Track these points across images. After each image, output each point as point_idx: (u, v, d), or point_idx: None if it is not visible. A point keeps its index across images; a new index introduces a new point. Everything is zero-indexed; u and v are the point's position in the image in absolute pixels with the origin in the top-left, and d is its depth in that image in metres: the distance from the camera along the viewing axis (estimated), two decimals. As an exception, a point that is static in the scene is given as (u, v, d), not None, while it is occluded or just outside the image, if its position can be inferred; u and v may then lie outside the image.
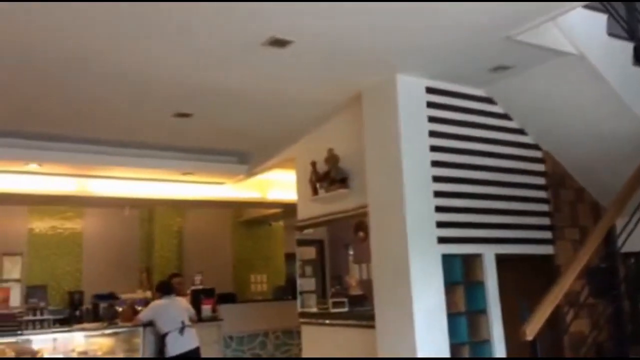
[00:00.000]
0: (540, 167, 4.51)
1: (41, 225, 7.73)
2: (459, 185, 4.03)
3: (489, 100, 4.31)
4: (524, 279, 4.16)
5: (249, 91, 4.23)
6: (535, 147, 4.50)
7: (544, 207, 4.47)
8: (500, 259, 4.12)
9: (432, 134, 3.99)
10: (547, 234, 4.43)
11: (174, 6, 2.88)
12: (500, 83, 4.15)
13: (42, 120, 4.79)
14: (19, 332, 5.49)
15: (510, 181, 4.29)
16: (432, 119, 4.01)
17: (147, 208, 8.19)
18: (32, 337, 5.56)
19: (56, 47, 3.37)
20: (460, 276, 4.01)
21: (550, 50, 3.62)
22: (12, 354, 5.37)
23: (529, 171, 4.43)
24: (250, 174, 6.39)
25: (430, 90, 4.03)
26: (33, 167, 5.70)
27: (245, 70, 3.85)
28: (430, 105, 4.02)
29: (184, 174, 6.39)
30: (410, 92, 3.97)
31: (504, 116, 4.38)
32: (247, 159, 6.30)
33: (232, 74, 3.91)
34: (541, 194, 4.47)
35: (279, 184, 7.21)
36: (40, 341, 5.61)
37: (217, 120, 4.96)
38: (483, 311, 4.02)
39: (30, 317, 5.62)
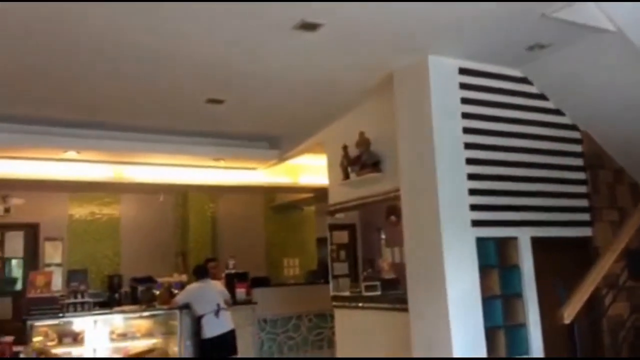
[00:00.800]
0: (577, 148, 4.40)
1: (80, 211, 7.96)
2: (493, 168, 3.96)
3: (524, 81, 4.21)
4: (561, 261, 4.08)
5: (279, 76, 4.24)
6: (572, 127, 4.39)
7: (582, 189, 4.37)
8: (537, 242, 4.05)
9: (466, 115, 3.92)
10: (585, 216, 4.33)
11: (207, -8, 2.91)
12: (536, 62, 4.03)
13: (80, 108, 4.90)
14: (61, 314, 5.68)
15: (547, 162, 4.20)
16: (465, 101, 3.94)
17: (181, 194, 8.33)
18: (73, 320, 5.75)
19: (94, 36, 3.43)
20: (494, 259, 3.95)
21: (588, 27, 3.49)
22: (54, 335, 5.57)
23: (566, 152, 4.33)
24: (281, 159, 6.43)
25: (463, 71, 3.96)
26: (71, 154, 5.85)
27: (276, 56, 3.84)
28: (464, 86, 3.96)
29: (216, 159, 6.47)
30: (443, 73, 3.91)
31: (540, 96, 4.28)
32: (278, 144, 6.34)
33: (263, 60, 3.91)
34: (579, 175, 4.37)
35: (310, 169, 7.23)
36: (81, 323, 5.80)
37: (248, 106, 4.98)
38: (519, 295, 3.96)
39: (72, 300, 5.80)
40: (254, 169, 7.05)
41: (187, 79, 4.25)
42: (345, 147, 4.82)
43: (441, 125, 3.83)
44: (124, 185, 7.07)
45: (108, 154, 6.06)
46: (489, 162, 3.95)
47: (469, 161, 3.88)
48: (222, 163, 6.64)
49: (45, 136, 5.32)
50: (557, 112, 4.34)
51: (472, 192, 3.85)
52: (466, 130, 3.91)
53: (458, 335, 3.63)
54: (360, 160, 4.66)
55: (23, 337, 5.29)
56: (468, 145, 3.89)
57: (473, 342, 3.68)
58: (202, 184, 7.26)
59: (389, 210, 4.54)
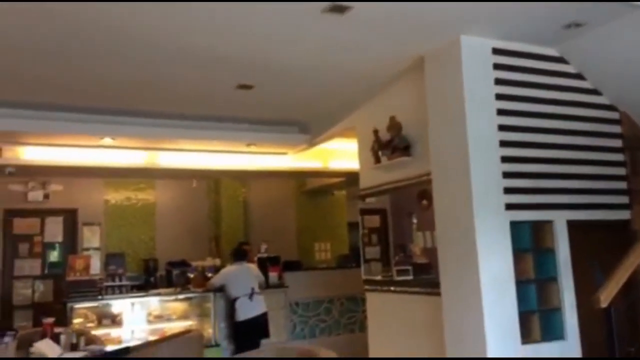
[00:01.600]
0: (616, 129, 4.27)
1: (116, 196, 8.13)
2: (528, 150, 3.88)
3: (560, 60, 4.10)
4: (598, 245, 4.00)
5: (309, 61, 4.23)
6: (611, 107, 4.26)
7: (621, 171, 4.25)
8: (573, 225, 3.96)
9: (500, 97, 3.84)
10: (624, 199, 4.22)
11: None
12: (573, 41, 3.91)
13: (115, 97, 5.00)
14: (100, 297, 5.86)
15: (584, 144, 4.09)
16: (499, 82, 3.86)
17: (213, 180, 8.43)
18: (111, 302, 5.93)
19: (127, 26, 3.48)
20: (529, 243, 3.90)
21: (627, 3, 3.38)
22: (93, 317, 5.75)
23: (604, 133, 4.20)
24: (311, 143, 6.44)
25: (497, 52, 3.87)
26: (107, 141, 5.98)
27: (305, 40, 3.83)
28: (498, 67, 3.87)
29: (247, 145, 6.51)
30: (476, 54, 3.83)
31: (577, 76, 4.16)
32: (308, 128, 6.34)
33: (292, 45, 3.90)
34: (617, 156, 4.25)
35: (340, 154, 7.22)
36: (119, 305, 5.97)
37: (278, 91, 4.99)
38: (554, 279, 3.89)
39: (110, 283, 5.98)
40: (284, 153, 7.07)
41: (218, 66, 4.28)
42: (376, 131, 4.79)
43: (474, 108, 3.76)
44: (157, 171, 7.19)
45: (142, 141, 6.18)
46: (523, 145, 3.87)
47: (503, 144, 3.81)
48: (253, 148, 6.68)
49: (83, 124, 5.44)
50: (595, 92, 4.22)
51: (506, 175, 3.79)
52: (500, 112, 3.83)
53: (491, 319, 3.60)
54: (391, 144, 4.63)
55: (64, 318, 5.48)
56: (502, 128, 3.82)
57: (506, 327, 3.65)
58: (233, 169, 7.33)
59: (420, 194, 4.51)
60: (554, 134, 3.99)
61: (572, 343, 3.81)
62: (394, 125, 4.59)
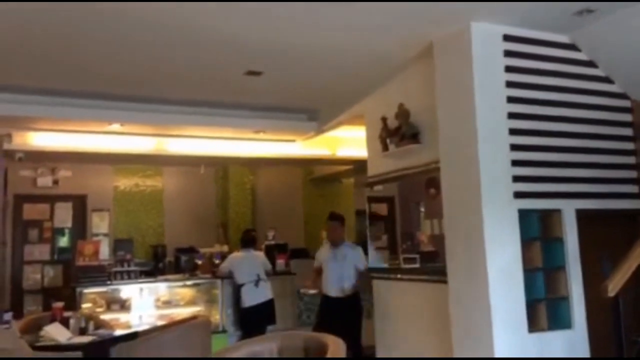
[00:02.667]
0: (627, 117, 4.23)
1: (125, 182, 8.19)
2: (538, 138, 3.85)
3: (572, 47, 4.05)
4: (607, 234, 3.97)
5: (317, 47, 4.21)
6: (622, 96, 4.21)
7: (631, 160, 4.20)
8: (582, 214, 3.94)
9: (510, 84, 3.81)
10: (634, 188, 4.18)
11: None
12: (585, 28, 3.86)
13: (123, 82, 5.00)
14: (108, 282, 5.92)
15: (594, 132, 4.05)
16: (509, 69, 3.82)
17: (221, 167, 8.47)
18: (120, 287, 5.99)
19: (135, 9, 3.47)
20: (537, 232, 3.88)
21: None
22: (102, 302, 5.82)
23: (614, 122, 4.16)
24: (319, 131, 6.45)
25: (507, 38, 3.84)
26: (115, 127, 6.02)
27: (313, 27, 3.81)
28: (508, 54, 3.84)
29: (256, 132, 6.54)
30: (486, 40, 3.79)
31: (589, 63, 4.11)
32: (316, 116, 6.35)
33: (299, 31, 3.89)
34: (628, 145, 4.21)
35: (348, 141, 7.24)
36: (128, 291, 6.04)
37: (286, 78, 4.98)
38: (562, 268, 3.88)
39: (119, 269, 6.05)
40: (292, 141, 7.10)
41: (227, 52, 4.28)
42: (384, 119, 4.77)
43: (483, 95, 3.73)
44: (166, 157, 7.23)
45: (150, 127, 6.22)
46: (533, 133, 3.85)
47: (513, 131, 3.78)
48: (261, 135, 6.71)
49: (91, 109, 5.50)
50: (606, 80, 4.17)
51: (515, 163, 3.77)
52: (510, 100, 3.81)
53: (497, 307, 3.60)
54: (399, 132, 4.61)
55: (73, 303, 5.56)
56: (512, 115, 3.79)
57: (513, 315, 3.65)
58: (242, 156, 7.37)
59: (428, 182, 4.50)
60: (564, 122, 3.96)
61: (579, 332, 3.81)
62: (403, 113, 4.57)
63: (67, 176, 7.73)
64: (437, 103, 4.05)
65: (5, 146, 6.10)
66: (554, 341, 3.73)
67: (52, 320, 4.78)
